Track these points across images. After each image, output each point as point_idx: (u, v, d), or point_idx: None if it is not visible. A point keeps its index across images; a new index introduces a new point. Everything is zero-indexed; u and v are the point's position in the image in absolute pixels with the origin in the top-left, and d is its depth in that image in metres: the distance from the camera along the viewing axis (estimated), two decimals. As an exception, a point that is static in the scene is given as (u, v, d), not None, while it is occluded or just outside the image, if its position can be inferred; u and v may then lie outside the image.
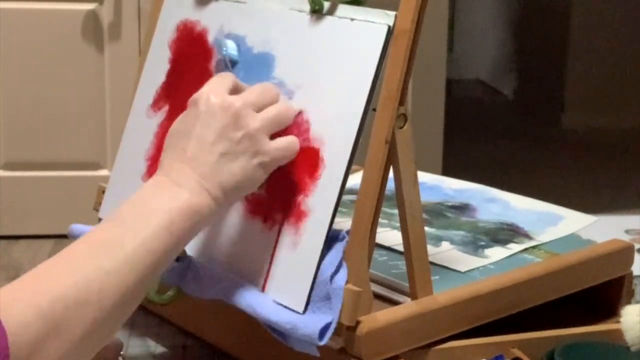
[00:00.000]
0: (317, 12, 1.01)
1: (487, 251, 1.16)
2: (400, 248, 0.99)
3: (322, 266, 0.93)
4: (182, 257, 1.02)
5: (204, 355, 1.12)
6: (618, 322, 1.03)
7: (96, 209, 1.21)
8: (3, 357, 0.67)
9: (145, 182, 0.91)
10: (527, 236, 1.22)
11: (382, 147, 0.92)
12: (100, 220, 1.19)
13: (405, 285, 1.01)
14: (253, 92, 0.95)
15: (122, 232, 0.83)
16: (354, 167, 0.95)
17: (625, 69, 3.99)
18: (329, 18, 1.00)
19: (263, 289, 0.97)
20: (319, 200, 0.94)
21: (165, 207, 0.85)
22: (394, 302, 1.01)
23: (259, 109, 0.94)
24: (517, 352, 1.02)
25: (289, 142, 0.95)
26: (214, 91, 0.93)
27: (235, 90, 0.95)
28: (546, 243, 1.20)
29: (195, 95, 0.94)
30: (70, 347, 0.74)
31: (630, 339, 1.00)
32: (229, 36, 1.08)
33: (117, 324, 0.81)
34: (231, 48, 1.06)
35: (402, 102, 0.92)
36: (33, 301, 0.73)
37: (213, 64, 1.09)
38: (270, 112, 0.94)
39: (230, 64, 1.05)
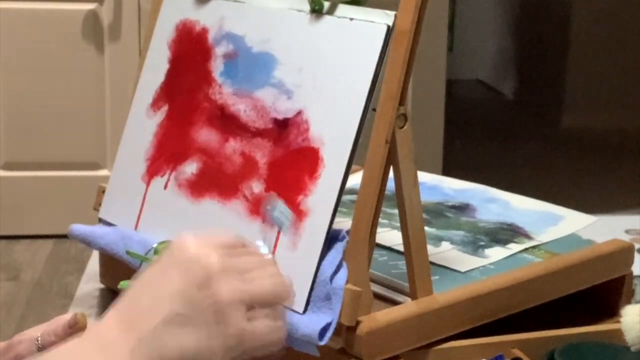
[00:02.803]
0: (316, 11, 1.00)
1: (487, 251, 1.16)
2: (400, 248, 0.99)
3: (322, 266, 0.93)
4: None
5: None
6: (618, 322, 1.03)
7: (96, 209, 1.21)
8: None
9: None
10: (527, 236, 1.22)
11: (382, 147, 0.92)
12: (100, 220, 1.19)
13: (405, 285, 1.01)
14: (242, 253, 0.72)
15: None
16: (354, 167, 0.95)
17: (625, 69, 4.00)
18: (328, 18, 1.00)
19: (263, 289, 0.97)
20: (318, 200, 0.94)
21: None
22: (394, 302, 1.01)
23: (243, 273, 0.70)
24: (517, 352, 1.02)
25: (273, 327, 0.70)
26: (197, 240, 0.70)
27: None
28: (546, 243, 1.20)
29: (177, 239, 0.70)
30: None
31: (630, 339, 1.00)
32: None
33: None
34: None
35: (402, 102, 0.92)
36: None
37: (212, 63, 1.09)
38: (257, 287, 0.70)
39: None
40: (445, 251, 1.16)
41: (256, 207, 1.00)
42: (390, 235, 1.18)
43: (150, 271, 0.71)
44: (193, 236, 0.70)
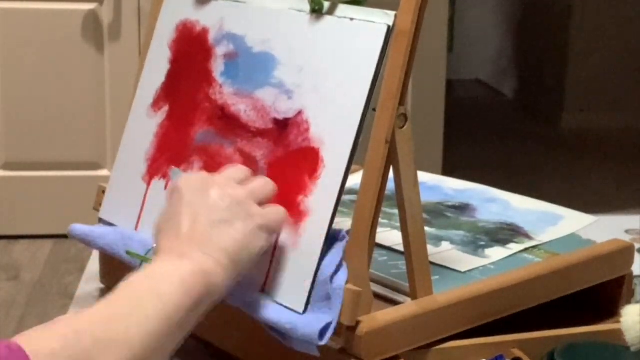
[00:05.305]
0: (317, 11, 1.01)
1: (487, 251, 1.16)
2: (400, 248, 0.99)
3: (322, 266, 0.93)
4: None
5: (204, 355, 1.12)
6: (618, 322, 1.03)
7: (96, 209, 1.21)
8: None
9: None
10: (527, 236, 1.22)
11: (382, 147, 0.92)
12: (100, 220, 1.19)
13: (405, 285, 1.01)
14: (227, 171, 0.96)
15: (135, 295, 0.82)
16: (354, 167, 0.95)
17: (625, 69, 3.99)
18: (328, 18, 1.00)
19: (263, 289, 0.97)
20: (319, 200, 0.94)
21: (174, 274, 0.83)
22: (394, 302, 1.01)
23: (238, 182, 0.94)
24: (517, 352, 1.02)
25: (277, 207, 0.94)
26: (188, 176, 0.94)
27: None
28: (546, 243, 1.20)
29: (173, 182, 0.95)
30: None
31: (630, 339, 1.00)
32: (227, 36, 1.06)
33: None
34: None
35: (402, 102, 0.92)
36: (59, 332, 0.73)
37: (212, 63, 1.09)
38: (251, 184, 0.94)
39: None
40: (445, 251, 1.16)
41: (256, 207, 1.00)
42: (390, 235, 1.18)
43: (169, 209, 0.90)
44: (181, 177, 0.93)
